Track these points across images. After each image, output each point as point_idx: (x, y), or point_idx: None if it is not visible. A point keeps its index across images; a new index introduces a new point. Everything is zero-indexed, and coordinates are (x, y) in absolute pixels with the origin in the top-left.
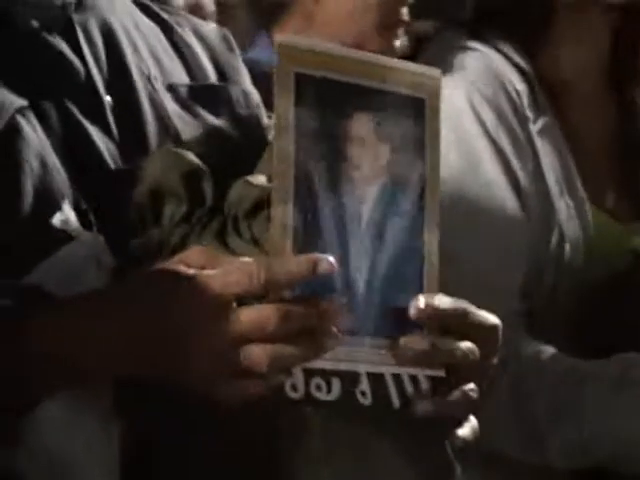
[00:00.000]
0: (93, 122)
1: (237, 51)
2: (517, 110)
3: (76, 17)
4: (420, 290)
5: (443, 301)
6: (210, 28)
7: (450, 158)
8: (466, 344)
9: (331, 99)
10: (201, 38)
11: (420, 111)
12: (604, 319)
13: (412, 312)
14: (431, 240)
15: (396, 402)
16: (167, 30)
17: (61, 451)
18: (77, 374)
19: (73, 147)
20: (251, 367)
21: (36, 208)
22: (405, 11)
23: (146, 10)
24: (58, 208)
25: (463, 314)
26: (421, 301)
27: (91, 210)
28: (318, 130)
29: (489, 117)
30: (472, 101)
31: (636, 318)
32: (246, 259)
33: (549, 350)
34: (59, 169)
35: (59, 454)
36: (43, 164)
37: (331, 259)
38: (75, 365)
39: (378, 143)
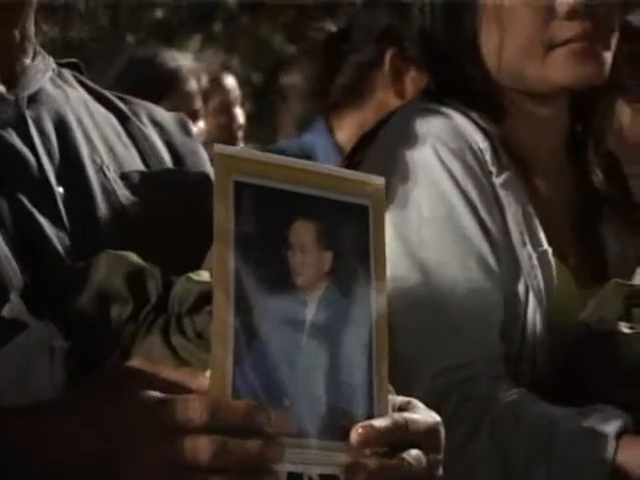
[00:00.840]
0: (44, 213)
1: (193, 135)
2: (481, 164)
3: (29, 112)
4: (370, 388)
5: (380, 422)
6: (166, 115)
7: (423, 210)
8: (412, 453)
9: (271, 206)
10: (157, 124)
11: (364, 217)
12: (565, 377)
13: (354, 438)
14: (380, 340)
15: None
16: (122, 119)
17: None
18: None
19: (24, 238)
20: None
21: None
22: None
23: (101, 100)
24: (7, 299)
25: (404, 427)
26: (360, 428)
27: (43, 298)
28: (258, 237)
29: (457, 170)
30: (440, 155)
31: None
32: (190, 397)
33: (526, 395)
34: (10, 259)
35: None
36: None
37: (270, 412)
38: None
39: (321, 250)
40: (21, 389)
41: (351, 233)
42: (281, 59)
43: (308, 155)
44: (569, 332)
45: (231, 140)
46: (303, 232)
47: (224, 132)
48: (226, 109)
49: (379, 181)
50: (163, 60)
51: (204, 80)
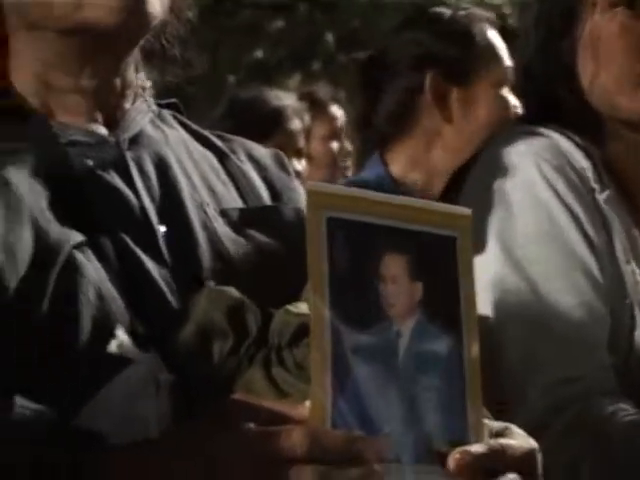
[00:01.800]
0: (146, 251)
1: (290, 170)
2: (583, 181)
3: (129, 153)
4: (464, 414)
5: (477, 448)
6: (263, 151)
7: (528, 225)
8: (509, 478)
9: (363, 240)
10: (254, 161)
11: (452, 248)
12: None
13: (451, 464)
14: (472, 366)
15: None
16: (221, 156)
17: None
18: None
19: (128, 276)
20: None
21: (93, 337)
22: None
23: (200, 139)
24: (113, 334)
25: (500, 453)
26: (457, 454)
27: (147, 333)
28: (351, 271)
29: (560, 185)
30: (542, 170)
31: None
32: (292, 428)
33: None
34: (115, 298)
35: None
36: (99, 295)
37: (368, 440)
38: None
39: (411, 281)
40: (129, 422)
41: (440, 264)
42: None
43: None
44: None
45: (339, 168)
46: (394, 264)
47: (333, 159)
48: (336, 136)
49: (466, 212)
50: (267, 99)
51: (307, 118)
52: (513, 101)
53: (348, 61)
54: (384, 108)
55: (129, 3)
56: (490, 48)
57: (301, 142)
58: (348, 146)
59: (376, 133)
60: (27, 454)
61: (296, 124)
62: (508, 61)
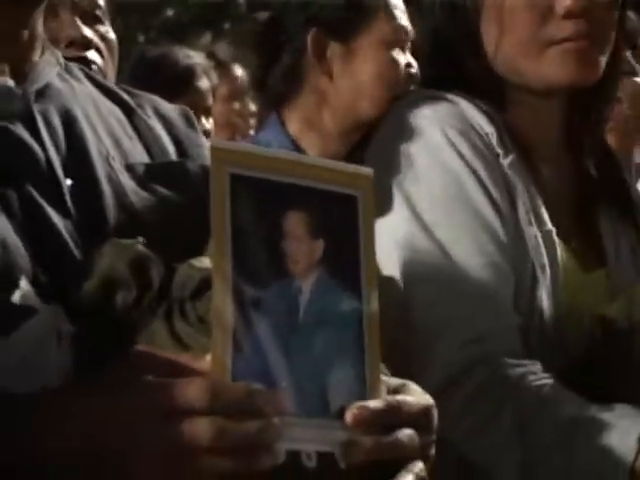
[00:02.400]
0: (51, 203)
1: (197, 127)
2: (488, 146)
3: (36, 106)
4: (362, 370)
5: (374, 403)
6: (170, 107)
7: (435, 189)
8: (405, 433)
9: (265, 198)
10: (161, 116)
11: (354, 207)
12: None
13: (349, 418)
14: (371, 323)
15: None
16: (128, 111)
17: None
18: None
19: (32, 227)
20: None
21: None
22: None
23: (107, 93)
24: (17, 285)
25: (397, 409)
26: (355, 409)
27: (50, 283)
28: (254, 227)
29: (465, 149)
30: (447, 135)
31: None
32: (191, 380)
33: (554, 382)
34: (19, 248)
35: None
36: (3, 245)
37: (267, 393)
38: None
39: (312, 239)
40: (29, 373)
41: (341, 222)
42: None
43: None
44: (576, 316)
45: (245, 126)
46: (296, 222)
47: (238, 118)
48: (238, 96)
49: (368, 172)
50: (177, 58)
51: (214, 77)
52: (404, 61)
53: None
54: (279, 69)
55: None
56: (376, 5)
57: (210, 101)
58: (252, 107)
59: (272, 93)
60: None
61: (205, 83)
62: (402, 20)
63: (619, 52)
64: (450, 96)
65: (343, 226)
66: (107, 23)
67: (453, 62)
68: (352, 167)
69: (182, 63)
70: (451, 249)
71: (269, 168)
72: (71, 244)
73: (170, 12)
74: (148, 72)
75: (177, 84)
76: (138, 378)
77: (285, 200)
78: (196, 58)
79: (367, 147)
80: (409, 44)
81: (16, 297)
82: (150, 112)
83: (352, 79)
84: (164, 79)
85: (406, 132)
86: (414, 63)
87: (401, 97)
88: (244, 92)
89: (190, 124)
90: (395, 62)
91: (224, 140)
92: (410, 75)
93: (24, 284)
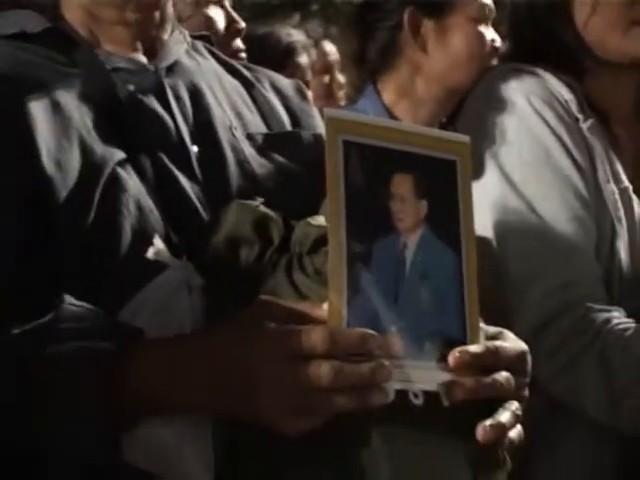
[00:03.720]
0: (181, 169)
1: (309, 99)
2: (569, 112)
3: (167, 80)
4: (463, 317)
5: (474, 348)
6: (285, 81)
7: (524, 154)
8: (502, 375)
9: (374, 162)
10: (277, 90)
11: (453, 171)
12: None
13: (451, 362)
14: (470, 276)
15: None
16: (248, 85)
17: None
18: (166, 406)
19: (164, 191)
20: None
21: (133, 244)
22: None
23: (229, 69)
24: (151, 242)
25: (495, 352)
26: (457, 352)
27: (181, 242)
28: (365, 189)
29: (550, 117)
30: (533, 104)
31: None
32: (312, 328)
33: (630, 324)
34: (153, 210)
35: (161, 447)
36: (139, 207)
37: (379, 338)
38: (163, 398)
39: (417, 199)
40: (164, 322)
41: (443, 185)
42: None
43: None
44: None
45: (333, 98)
46: (402, 184)
47: (327, 91)
48: (328, 70)
49: (465, 139)
50: (280, 35)
51: (313, 54)
52: (490, 36)
53: (342, 3)
54: (375, 45)
55: None
56: None
57: (309, 75)
58: (341, 79)
59: (369, 67)
60: (75, 346)
61: (304, 59)
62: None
63: None
64: (533, 69)
65: (444, 188)
66: None
67: (542, 36)
68: (452, 135)
69: (284, 40)
70: (539, 206)
71: (377, 135)
72: (199, 206)
73: None
74: (254, 48)
75: (280, 59)
76: (262, 325)
77: (392, 164)
78: (296, 36)
79: (458, 117)
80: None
81: (150, 253)
82: (267, 86)
83: (444, 52)
84: (269, 54)
85: (496, 103)
86: (497, 38)
87: (488, 69)
88: (334, 66)
89: (303, 96)
90: (482, 36)
91: (337, 109)
92: (495, 49)
93: (157, 242)
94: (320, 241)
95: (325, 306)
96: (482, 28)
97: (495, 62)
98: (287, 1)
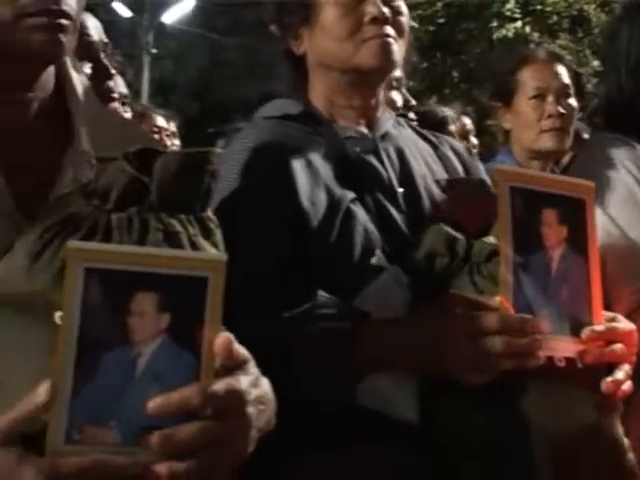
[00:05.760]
0: (391, 204)
1: (475, 156)
2: None
3: (381, 144)
4: (590, 304)
5: (599, 327)
6: (459, 145)
7: (620, 198)
8: (619, 346)
9: (528, 202)
10: (454, 150)
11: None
12: None
13: (584, 336)
14: (594, 278)
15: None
16: (434, 147)
17: (384, 391)
18: (386, 365)
19: (381, 219)
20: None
21: (362, 255)
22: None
23: (421, 136)
24: (373, 254)
25: (613, 330)
26: (587, 330)
27: (394, 253)
28: (524, 218)
29: (635, 172)
30: (628, 168)
31: None
32: (488, 313)
33: None
34: (374, 232)
35: (383, 393)
36: (365, 230)
37: (535, 321)
38: (385, 360)
39: (559, 225)
40: (384, 308)
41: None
42: None
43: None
44: None
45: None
46: (548, 216)
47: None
48: (465, 136)
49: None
50: (436, 111)
51: (459, 124)
52: (549, 107)
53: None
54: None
55: (383, 55)
56: None
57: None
58: (475, 141)
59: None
60: (325, 324)
61: (453, 127)
62: None
63: None
64: (626, 138)
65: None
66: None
67: (632, 111)
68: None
69: (439, 114)
70: (627, 231)
71: (528, 180)
72: (404, 229)
73: (411, 83)
74: (419, 119)
75: (438, 127)
76: (452, 311)
77: (547, 200)
78: (447, 112)
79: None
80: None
81: (374, 260)
82: (447, 148)
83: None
84: (429, 124)
85: (598, 165)
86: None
87: (591, 137)
88: (469, 132)
89: (470, 154)
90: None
91: (503, 165)
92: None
93: (378, 252)
94: (492, 254)
95: (497, 298)
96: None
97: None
98: (425, 86)
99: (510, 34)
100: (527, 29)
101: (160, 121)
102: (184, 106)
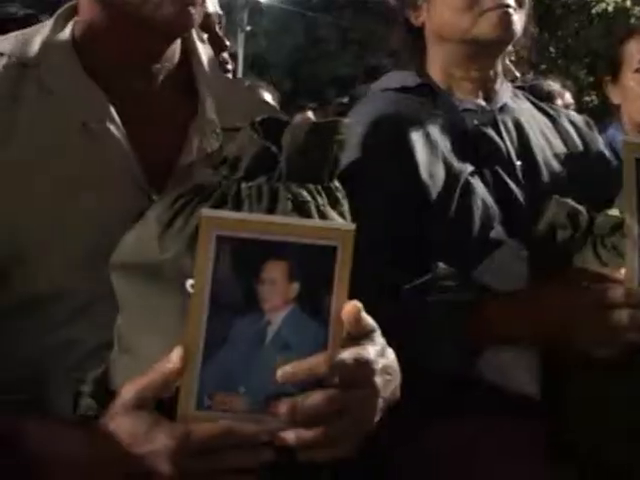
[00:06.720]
0: (510, 177)
1: (594, 129)
2: None
3: (499, 117)
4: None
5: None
6: (578, 117)
7: None
8: None
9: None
10: (572, 123)
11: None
12: None
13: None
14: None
15: None
16: (552, 120)
17: (504, 363)
18: (507, 338)
19: (500, 192)
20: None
21: (481, 228)
22: None
23: (539, 109)
24: (492, 227)
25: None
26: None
27: (514, 227)
28: None
29: None
30: None
31: None
32: (610, 286)
33: None
34: (493, 205)
35: (503, 365)
36: (484, 203)
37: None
38: (506, 332)
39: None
40: (504, 280)
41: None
42: None
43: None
44: None
45: None
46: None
47: None
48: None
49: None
50: (543, 85)
51: (566, 97)
52: None
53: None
54: None
55: (503, 26)
56: None
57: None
58: None
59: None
60: (445, 296)
61: (560, 102)
62: None
63: None
64: None
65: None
66: None
67: None
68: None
69: (546, 88)
70: None
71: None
72: (523, 202)
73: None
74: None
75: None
76: (577, 285)
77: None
78: (554, 86)
79: None
80: None
81: (493, 234)
82: (565, 121)
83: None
84: (537, 97)
85: None
86: None
87: None
88: (569, 107)
89: (589, 127)
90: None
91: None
92: None
93: (497, 226)
94: (616, 227)
95: (622, 271)
96: None
97: None
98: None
99: (610, 8)
100: (628, 3)
101: (267, 97)
102: (277, 83)
